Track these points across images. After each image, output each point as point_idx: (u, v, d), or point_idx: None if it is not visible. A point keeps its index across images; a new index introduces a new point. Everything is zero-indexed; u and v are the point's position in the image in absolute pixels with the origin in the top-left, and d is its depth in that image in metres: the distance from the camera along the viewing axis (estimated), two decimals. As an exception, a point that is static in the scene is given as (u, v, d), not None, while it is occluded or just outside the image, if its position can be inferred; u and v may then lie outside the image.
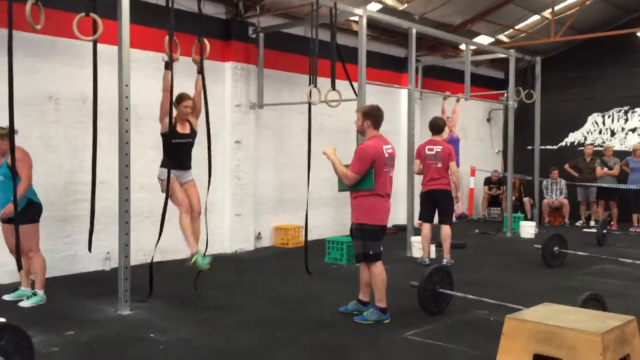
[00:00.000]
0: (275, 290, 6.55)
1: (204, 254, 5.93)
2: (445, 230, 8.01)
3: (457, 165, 8.30)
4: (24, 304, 5.65)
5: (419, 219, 8.28)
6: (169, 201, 5.76)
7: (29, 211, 5.63)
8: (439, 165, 7.94)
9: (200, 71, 5.93)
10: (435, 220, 8.15)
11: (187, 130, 6.02)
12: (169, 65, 5.62)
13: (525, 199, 13.10)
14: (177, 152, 5.94)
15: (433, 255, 8.44)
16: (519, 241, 10.64)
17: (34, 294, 5.74)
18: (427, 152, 8.03)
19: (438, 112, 12.90)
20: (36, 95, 6.92)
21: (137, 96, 6.88)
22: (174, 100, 5.83)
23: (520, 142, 12.24)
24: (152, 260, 5.99)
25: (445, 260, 7.93)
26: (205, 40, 5.89)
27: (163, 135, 5.94)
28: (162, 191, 5.90)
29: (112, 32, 5.59)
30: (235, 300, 6.02)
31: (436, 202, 8.03)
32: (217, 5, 8.80)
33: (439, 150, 7.99)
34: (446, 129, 8.79)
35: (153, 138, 7.72)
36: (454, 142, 9.22)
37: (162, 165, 5.99)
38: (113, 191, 6.04)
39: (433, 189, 7.97)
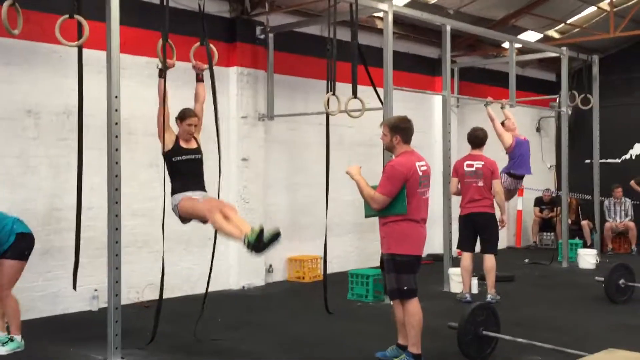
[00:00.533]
0: (289, 333, 6.53)
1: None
2: (490, 260, 7.96)
3: (528, 172, 8.20)
4: (0, 350, 5.70)
5: (458, 247, 8.24)
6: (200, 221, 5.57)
7: (19, 245, 5.70)
8: (480, 184, 7.92)
9: (211, 78, 5.86)
10: (477, 248, 8.10)
11: (194, 146, 5.90)
12: (162, 73, 5.64)
13: (584, 222, 12.98)
14: (185, 172, 5.77)
15: (475, 290, 8.38)
16: (577, 272, 10.52)
17: (11, 340, 5.79)
18: (466, 168, 8.02)
19: (477, 121, 12.86)
20: (13, 109, 7.04)
21: (129, 108, 6.98)
22: (176, 117, 5.83)
23: (576, 155, 12.16)
24: (160, 297, 5.88)
25: (489, 296, 7.87)
26: (212, 46, 5.92)
27: (165, 155, 5.76)
28: (181, 221, 5.70)
29: (99, 36, 5.68)
30: (242, 346, 6.01)
31: (478, 228, 7.99)
32: (220, 3, 8.93)
33: (480, 166, 7.97)
34: (507, 135, 8.93)
35: (147, 156, 7.83)
36: (523, 145, 9.20)
37: (173, 193, 5.74)
38: (101, 219, 6.09)
39: (474, 212, 7.94)
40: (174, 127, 5.90)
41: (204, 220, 5.61)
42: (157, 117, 5.74)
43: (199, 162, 5.89)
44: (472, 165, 8.02)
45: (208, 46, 5.84)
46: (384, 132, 5.34)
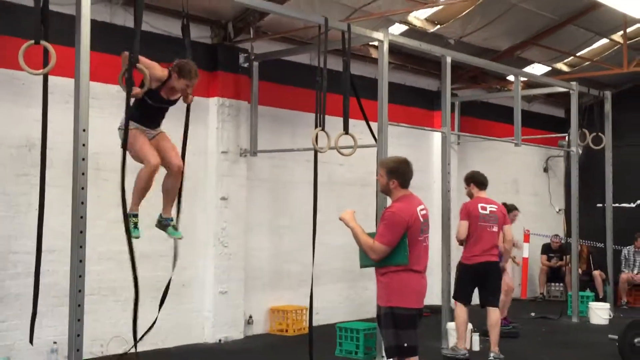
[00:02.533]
0: (270, 394, 6.44)
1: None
2: (495, 314, 7.94)
3: None
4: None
5: (455, 297, 8.22)
6: (131, 157, 5.62)
7: None
8: (495, 229, 7.93)
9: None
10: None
11: (174, 97, 5.85)
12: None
13: (596, 273, 12.97)
14: (150, 112, 5.81)
15: (476, 347, 8.33)
16: (588, 329, 10.49)
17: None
18: (481, 211, 8.01)
19: (480, 159, 13.02)
20: (-31, 140, 7.03)
21: (97, 142, 6.93)
22: (175, 67, 5.66)
23: (587, 198, 12.23)
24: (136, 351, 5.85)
25: (492, 355, 7.82)
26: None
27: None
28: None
29: (67, 62, 5.69)
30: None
31: (482, 278, 7.97)
32: (201, 28, 8.99)
33: (494, 209, 8.00)
34: None
35: (117, 194, 7.76)
36: None
37: (128, 118, 5.53)
38: (63, 262, 6.03)
39: (485, 262, 7.92)
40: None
41: (141, 162, 5.76)
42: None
43: (165, 110, 5.95)
44: (486, 208, 8.02)
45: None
46: (381, 174, 5.35)
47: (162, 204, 6.02)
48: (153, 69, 5.58)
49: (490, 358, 7.73)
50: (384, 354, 5.44)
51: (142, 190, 5.82)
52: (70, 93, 5.59)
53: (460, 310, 8.03)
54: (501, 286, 8.17)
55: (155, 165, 5.73)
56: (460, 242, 8.17)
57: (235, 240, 9.14)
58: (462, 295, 8.10)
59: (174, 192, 6.00)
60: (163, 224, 6.03)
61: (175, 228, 6.04)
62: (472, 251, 7.98)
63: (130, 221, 5.59)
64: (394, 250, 5.11)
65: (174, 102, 5.92)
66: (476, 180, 8.29)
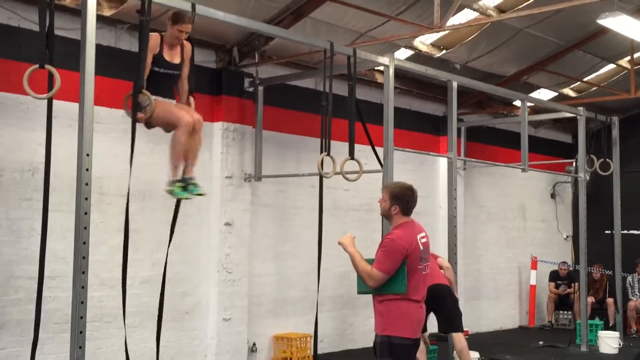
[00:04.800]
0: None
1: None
2: (460, 341, 7.86)
3: None
4: None
5: None
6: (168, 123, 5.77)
7: None
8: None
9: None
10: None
11: (176, 59, 5.98)
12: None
13: (610, 300, 12.82)
14: (160, 82, 5.87)
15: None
16: (597, 358, 10.41)
17: None
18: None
19: (486, 186, 13.00)
20: (-28, 165, 7.04)
21: (101, 166, 6.98)
22: (168, 16, 5.82)
23: (595, 225, 12.18)
24: None
25: None
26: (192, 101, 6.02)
27: None
28: (141, 121, 5.72)
29: (71, 86, 5.72)
30: None
31: (433, 303, 7.96)
32: (206, 52, 9.04)
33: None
34: None
35: (120, 219, 7.75)
36: None
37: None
38: (66, 289, 6.02)
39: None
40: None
41: (170, 128, 5.84)
42: None
43: (177, 78, 6.04)
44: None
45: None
46: (384, 198, 5.31)
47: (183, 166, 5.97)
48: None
49: None
50: None
51: (181, 154, 5.84)
52: (74, 117, 5.59)
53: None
54: (457, 309, 8.04)
55: (189, 121, 5.81)
56: None
57: (238, 266, 9.11)
58: None
59: (196, 149, 6.00)
60: (187, 182, 5.94)
61: (196, 185, 5.99)
62: None
63: (175, 188, 5.74)
64: (392, 278, 5.04)
65: (179, 66, 5.98)
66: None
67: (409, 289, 5.06)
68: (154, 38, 5.77)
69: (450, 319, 7.94)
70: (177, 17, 5.84)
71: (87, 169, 5.36)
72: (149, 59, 5.69)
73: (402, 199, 5.24)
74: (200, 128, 6.01)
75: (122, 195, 7.60)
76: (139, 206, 7.93)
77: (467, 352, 7.91)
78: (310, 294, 8.78)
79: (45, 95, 5.06)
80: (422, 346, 7.90)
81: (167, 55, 5.90)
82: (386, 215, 5.34)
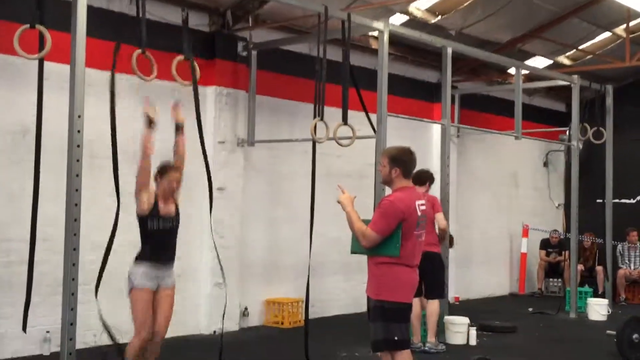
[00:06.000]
0: (265, 386, 6.45)
1: None
2: (432, 306, 8.02)
3: None
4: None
5: None
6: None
7: None
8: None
9: (195, 101, 5.93)
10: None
11: (172, 212, 5.90)
12: (151, 124, 5.66)
13: (599, 268, 12.92)
14: (158, 241, 5.81)
15: (473, 341, 8.35)
16: (586, 325, 10.51)
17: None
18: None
19: (479, 153, 13.02)
20: (-38, 126, 7.00)
21: (93, 129, 6.94)
22: (156, 170, 5.81)
23: (587, 193, 12.23)
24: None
25: (428, 345, 8.01)
26: (196, 63, 5.96)
27: (140, 217, 5.79)
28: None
29: (62, 47, 5.67)
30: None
31: (423, 270, 8.02)
32: (199, 15, 8.95)
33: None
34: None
35: (111, 182, 7.75)
36: None
37: (137, 259, 5.81)
38: (57, 252, 6.02)
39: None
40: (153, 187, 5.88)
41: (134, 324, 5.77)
42: (137, 172, 5.70)
43: (174, 233, 5.95)
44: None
45: (193, 63, 5.89)
46: (383, 163, 5.28)
47: None
48: (142, 197, 5.69)
49: (425, 348, 7.93)
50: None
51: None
52: (65, 79, 5.56)
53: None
54: (442, 279, 8.19)
55: (141, 339, 5.73)
56: None
57: (231, 231, 9.12)
58: None
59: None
60: None
61: None
62: None
63: None
64: (386, 240, 5.05)
65: (176, 218, 5.91)
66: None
67: (404, 253, 5.07)
68: (149, 197, 5.74)
69: (433, 286, 8.04)
70: (164, 169, 5.86)
71: (78, 131, 5.36)
72: (144, 210, 5.73)
73: (401, 161, 5.23)
74: (158, 343, 5.92)
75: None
76: (132, 169, 7.90)
77: (434, 319, 8.01)
78: (302, 260, 8.80)
79: (36, 55, 5.03)
80: (417, 310, 8.01)
81: (162, 210, 5.81)
82: (387, 181, 5.31)
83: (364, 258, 5.36)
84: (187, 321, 8.72)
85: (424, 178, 8.30)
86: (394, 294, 5.11)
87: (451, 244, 9.21)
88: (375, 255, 5.14)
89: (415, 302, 8.04)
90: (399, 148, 5.38)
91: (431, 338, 8.01)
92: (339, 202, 5.25)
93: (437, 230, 8.11)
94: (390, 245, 5.06)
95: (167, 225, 5.83)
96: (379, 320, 5.14)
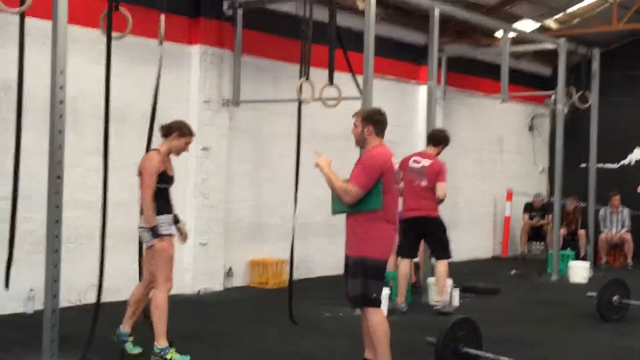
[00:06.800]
0: (248, 346, 6.49)
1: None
2: (441, 266, 8.10)
3: None
4: None
5: (398, 253, 8.30)
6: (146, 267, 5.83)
7: None
8: (424, 184, 8.01)
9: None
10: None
11: (173, 172, 5.99)
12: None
13: (582, 232, 13.05)
14: (166, 197, 5.87)
15: (456, 302, 8.43)
16: (567, 287, 10.64)
17: None
18: (411, 164, 8.10)
19: (465, 117, 13.02)
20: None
21: (76, 86, 6.89)
22: (174, 127, 5.85)
23: (571, 158, 12.28)
24: (98, 300, 5.89)
25: (440, 304, 8.07)
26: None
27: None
28: (155, 249, 5.69)
29: (45, 3, 5.58)
30: (196, 358, 5.95)
31: (423, 233, 8.18)
32: (184, -28, 8.83)
33: (427, 165, 8.03)
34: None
35: (94, 141, 7.70)
36: None
37: (160, 212, 5.74)
38: (40, 209, 5.99)
39: (415, 217, 8.05)
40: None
41: (149, 280, 5.85)
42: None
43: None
44: (418, 162, 8.07)
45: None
46: (355, 124, 5.38)
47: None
48: (152, 168, 5.65)
49: (438, 307, 8.02)
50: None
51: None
52: (48, 36, 5.47)
53: (401, 265, 8.22)
54: (445, 239, 8.23)
55: (170, 289, 5.79)
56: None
57: (215, 191, 9.12)
58: (402, 250, 8.21)
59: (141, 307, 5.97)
60: (121, 339, 5.94)
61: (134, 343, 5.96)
62: (403, 206, 8.06)
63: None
64: (368, 195, 5.12)
65: (174, 179, 5.96)
66: (427, 136, 8.47)
67: (385, 206, 5.17)
68: (155, 160, 5.70)
69: (440, 248, 8.17)
70: (186, 131, 5.87)
71: (61, 87, 5.30)
72: (155, 180, 5.64)
73: (373, 119, 5.34)
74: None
75: (97, 117, 7.49)
76: (114, 129, 7.74)
77: (443, 279, 8.09)
78: (286, 221, 8.83)
79: (17, 9, 4.95)
80: (406, 271, 8.11)
81: (168, 170, 5.84)
82: (360, 141, 5.39)
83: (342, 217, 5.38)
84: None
85: (439, 138, 8.31)
86: (375, 251, 5.19)
87: None
88: (358, 212, 5.20)
89: (406, 264, 8.13)
90: (370, 108, 5.55)
91: (442, 297, 8.07)
92: (317, 165, 5.29)
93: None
94: (371, 198, 5.14)
95: (171, 185, 5.92)
96: (359, 277, 5.20)
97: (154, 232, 5.60)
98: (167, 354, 5.59)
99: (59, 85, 5.31)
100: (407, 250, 8.20)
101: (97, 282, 5.71)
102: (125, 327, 5.96)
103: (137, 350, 5.93)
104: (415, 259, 8.63)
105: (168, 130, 5.83)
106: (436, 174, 8.01)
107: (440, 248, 8.19)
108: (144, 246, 5.84)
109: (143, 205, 5.64)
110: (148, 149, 6.11)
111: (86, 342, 5.56)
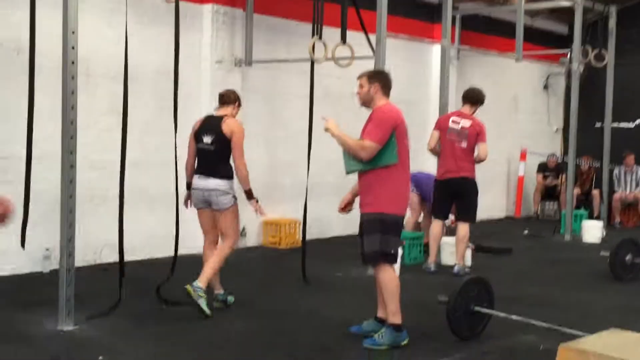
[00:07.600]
0: (261, 304, 6.57)
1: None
2: (462, 229, 8.07)
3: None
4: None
5: (431, 212, 8.33)
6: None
7: None
8: (464, 145, 7.93)
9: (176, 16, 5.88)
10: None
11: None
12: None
13: (595, 192, 13.02)
14: (204, 157, 6.35)
15: (469, 262, 8.45)
16: (580, 246, 10.64)
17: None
18: (451, 124, 8.02)
19: (479, 75, 12.90)
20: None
21: (88, 47, 6.87)
22: (240, 103, 6.40)
23: (586, 117, 12.19)
24: (121, 255, 5.98)
25: (456, 267, 8.05)
26: None
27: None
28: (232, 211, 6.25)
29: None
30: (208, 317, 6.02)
31: (457, 194, 8.11)
32: None
33: (467, 126, 7.97)
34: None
35: (107, 101, 7.74)
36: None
37: (232, 177, 6.26)
38: (54, 170, 6.01)
39: (452, 178, 8.01)
40: None
41: (216, 238, 6.45)
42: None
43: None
44: (458, 123, 8.01)
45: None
46: (361, 83, 5.37)
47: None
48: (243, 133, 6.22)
49: (454, 271, 7.99)
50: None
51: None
52: (59, -5, 5.46)
53: (434, 225, 8.25)
54: (475, 203, 8.21)
55: (230, 244, 6.35)
56: (434, 154, 8.31)
57: (229, 151, 9.12)
58: (436, 211, 8.28)
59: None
60: (221, 299, 6.39)
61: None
62: (439, 167, 8.15)
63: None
64: (382, 149, 5.15)
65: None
66: (463, 95, 8.33)
67: (400, 160, 5.21)
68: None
69: (465, 210, 8.13)
70: (240, 101, 6.42)
71: (72, 47, 5.30)
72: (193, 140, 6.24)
73: (379, 78, 5.38)
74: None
75: (109, 77, 7.55)
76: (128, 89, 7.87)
77: (463, 243, 8.07)
78: (299, 181, 8.83)
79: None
80: (439, 232, 8.19)
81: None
82: (367, 100, 5.38)
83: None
84: (184, 240, 8.78)
85: (475, 97, 8.24)
86: (392, 206, 5.24)
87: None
88: (373, 168, 5.21)
89: (438, 225, 8.14)
90: (374, 69, 5.47)
91: (460, 261, 8.06)
92: (326, 129, 5.29)
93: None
94: (387, 153, 5.18)
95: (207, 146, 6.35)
96: (376, 233, 5.22)
97: (250, 194, 6.21)
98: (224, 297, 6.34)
99: (71, 45, 5.30)
100: (440, 210, 8.21)
101: (115, 242, 5.80)
102: (218, 289, 6.37)
103: (232, 299, 6.43)
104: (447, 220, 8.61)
105: (234, 98, 6.31)
106: (477, 134, 7.97)
107: (467, 210, 8.13)
108: (215, 208, 6.20)
109: (243, 169, 6.17)
110: (176, 112, 6.15)
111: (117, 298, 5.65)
